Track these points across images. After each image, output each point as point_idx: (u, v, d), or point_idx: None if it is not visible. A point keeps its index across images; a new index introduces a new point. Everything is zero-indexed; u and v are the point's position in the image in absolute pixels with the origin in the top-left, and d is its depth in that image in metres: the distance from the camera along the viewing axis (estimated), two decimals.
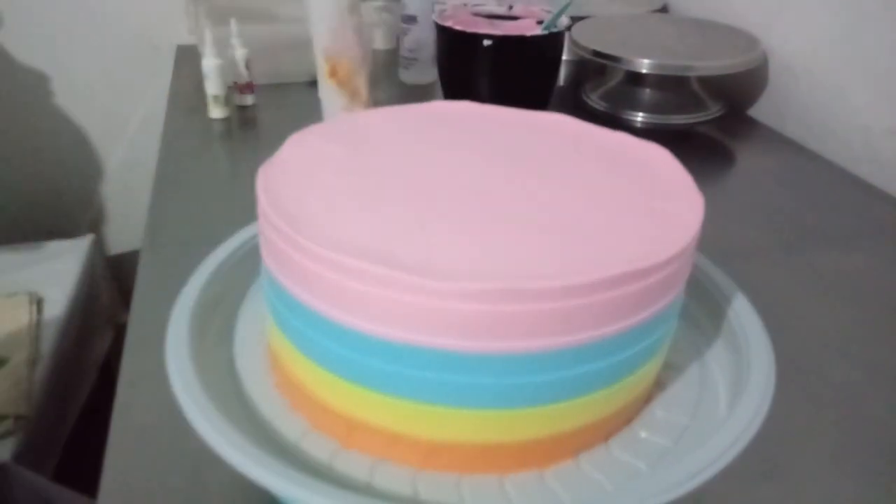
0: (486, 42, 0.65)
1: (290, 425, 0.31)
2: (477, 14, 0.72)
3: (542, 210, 0.30)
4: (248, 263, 0.38)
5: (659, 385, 0.34)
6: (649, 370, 0.31)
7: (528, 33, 0.66)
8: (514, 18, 0.72)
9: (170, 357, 0.30)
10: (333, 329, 0.27)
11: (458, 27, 0.67)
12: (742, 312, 0.34)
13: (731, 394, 0.31)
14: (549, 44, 0.68)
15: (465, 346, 0.26)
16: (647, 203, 0.31)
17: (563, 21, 0.69)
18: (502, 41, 0.65)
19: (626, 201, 0.31)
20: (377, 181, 0.32)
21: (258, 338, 0.35)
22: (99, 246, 0.99)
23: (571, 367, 0.27)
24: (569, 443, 0.30)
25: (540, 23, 0.69)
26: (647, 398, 0.33)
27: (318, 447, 0.30)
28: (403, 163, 0.33)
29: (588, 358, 0.27)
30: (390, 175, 0.32)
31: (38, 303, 0.81)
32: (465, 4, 0.74)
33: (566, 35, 0.71)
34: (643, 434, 0.31)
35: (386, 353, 0.26)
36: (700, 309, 0.37)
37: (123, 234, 1.12)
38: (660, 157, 0.34)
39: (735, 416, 0.28)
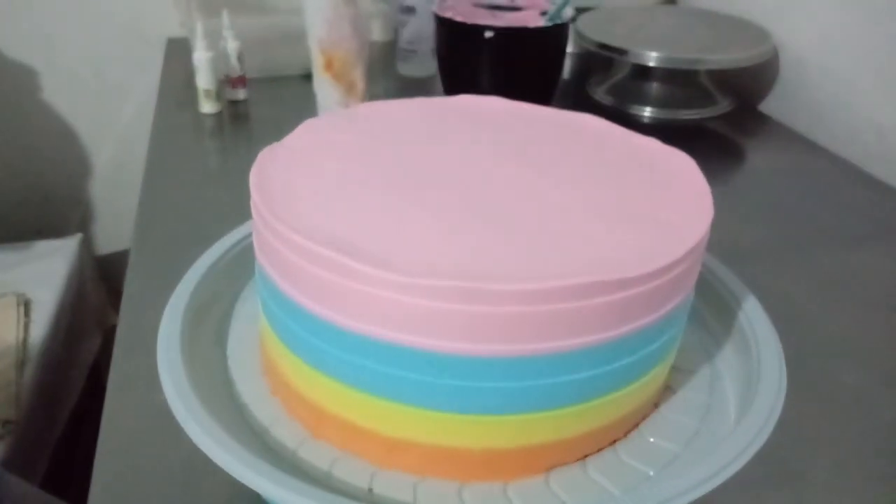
0: (488, 34, 0.64)
1: (285, 430, 0.31)
2: (478, 5, 0.71)
3: (547, 210, 0.30)
4: (243, 262, 0.37)
5: (668, 388, 0.34)
6: (658, 374, 0.31)
7: (531, 25, 0.65)
8: (517, 9, 0.71)
9: (161, 359, 0.30)
10: (332, 332, 0.27)
11: (458, 18, 0.66)
12: (752, 314, 0.34)
13: (741, 397, 0.32)
14: (553, 36, 0.68)
15: (470, 350, 0.26)
16: (656, 205, 0.30)
17: (568, 12, 0.68)
18: (504, 33, 0.64)
19: (635, 203, 0.31)
20: (379, 175, 0.32)
21: (252, 340, 0.35)
22: (88, 245, 0.99)
23: (578, 370, 0.27)
24: (575, 447, 0.30)
25: (543, 14, 0.68)
26: (655, 402, 0.33)
27: (314, 453, 0.30)
28: (412, 157, 0.33)
29: (596, 361, 0.27)
30: (395, 170, 0.32)
31: (26, 304, 0.81)
32: None
33: (570, 27, 0.69)
34: (651, 439, 0.31)
35: (386, 356, 0.26)
36: (710, 311, 0.37)
37: (113, 233, 1.11)
38: (682, 165, 0.34)
39: (744, 424, 0.28)
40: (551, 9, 0.67)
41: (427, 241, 0.27)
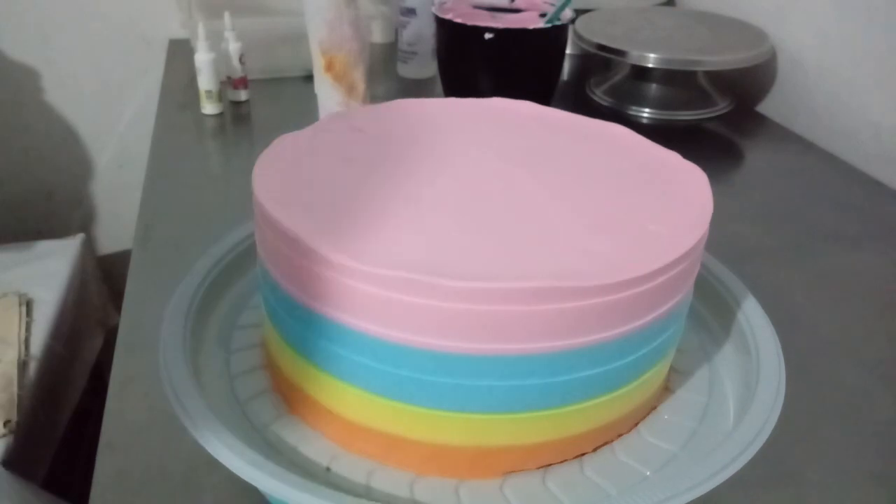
0: (488, 35, 0.64)
1: (286, 429, 0.31)
2: (478, 6, 0.72)
3: (550, 213, 0.30)
4: (246, 262, 0.37)
5: (667, 388, 0.34)
6: (657, 373, 0.31)
7: (531, 26, 0.65)
8: (516, 11, 0.71)
9: (163, 359, 0.30)
10: (335, 331, 0.27)
11: (458, 20, 0.66)
12: (751, 314, 0.34)
13: (741, 398, 0.32)
14: (553, 37, 0.68)
15: (470, 349, 0.26)
16: (657, 212, 0.30)
17: (567, 14, 0.68)
18: (504, 34, 0.64)
19: (638, 209, 0.30)
20: (385, 175, 0.32)
21: (255, 338, 0.35)
22: (89, 246, 0.99)
23: (578, 370, 0.27)
24: (572, 446, 0.29)
25: (543, 15, 0.68)
26: (654, 402, 0.33)
27: (316, 451, 0.30)
28: (422, 158, 0.33)
29: (594, 361, 0.27)
30: (402, 170, 0.32)
31: (28, 304, 0.81)
32: None
33: (570, 28, 0.69)
34: (650, 438, 0.31)
35: (384, 355, 0.26)
36: (709, 310, 0.37)
37: (114, 233, 1.11)
38: (693, 178, 0.33)
39: (744, 425, 0.28)
40: (550, 11, 0.67)
41: (430, 241, 0.27)
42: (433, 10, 0.70)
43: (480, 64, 0.68)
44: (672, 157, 0.35)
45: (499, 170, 0.33)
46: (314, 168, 0.32)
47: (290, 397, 0.31)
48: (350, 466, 0.29)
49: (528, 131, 0.37)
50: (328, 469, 0.29)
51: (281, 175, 0.31)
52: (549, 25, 0.66)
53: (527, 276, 0.25)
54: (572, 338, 0.26)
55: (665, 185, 0.32)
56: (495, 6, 0.72)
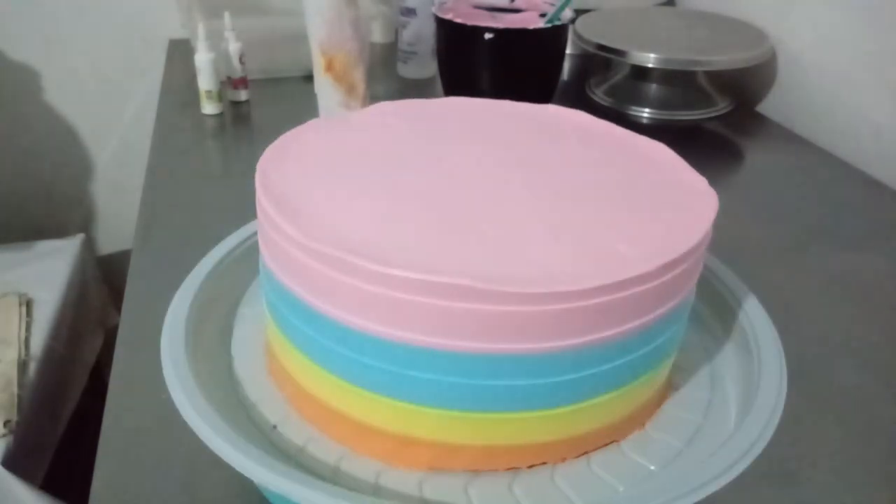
0: (488, 35, 0.64)
1: (292, 428, 0.31)
2: (478, 6, 0.72)
3: (551, 212, 0.30)
4: (248, 261, 0.37)
5: (669, 388, 0.33)
6: (659, 373, 0.31)
7: (531, 26, 0.65)
8: (516, 11, 0.71)
9: (165, 357, 0.30)
10: (338, 330, 0.27)
11: (458, 20, 0.66)
12: (753, 315, 0.34)
13: (742, 398, 0.31)
14: (553, 37, 0.68)
15: (476, 348, 0.26)
16: (658, 206, 0.30)
17: (567, 14, 0.68)
18: (504, 34, 0.64)
19: (637, 204, 0.30)
20: (389, 175, 0.31)
21: (257, 338, 0.35)
22: (89, 246, 0.99)
23: (580, 369, 0.27)
24: (578, 445, 0.30)
25: (543, 15, 0.68)
26: (656, 402, 0.32)
27: (322, 450, 0.30)
28: (427, 158, 0.33)
29: (596, 360, 0.27)
30: (405, 170, 0.32)
31: (28, 304, 0.81)
32: None
33: (570, 28, 0.69)
34: (655, 435, 0.31)
35: (390, 354, 0.26)
36: (710, 311, 0.37)
37: (114, 233, 1.11)
38: (693, 179, 0.33)
39: (745, 427, 0.28)
40: (550, 11, 0.67)
41: (433, 242, 0.27)
42: (433, 10, 0.70)
43: (480, 64, 0.68)
44: (678, 162, 0.35)
45: (495, 170, 0.32)
46: (320, 166, 0.32)
47: (294, 397, 0.31)
48: (357, 465, 0.29)
49: (556, 137, 0.36)
50: (274, 427, 0.29)
51: (284, 174, 0.31)
52: (549, 25, 0.66)
53: (533, 278, 0.25)
54: (574, 337, 0.26)
55: (667, 187, 0.32)
56: (495, 6, 0.72)
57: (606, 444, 0.30)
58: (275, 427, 0.29)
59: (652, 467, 0.29)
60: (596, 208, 0.30)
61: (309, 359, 0.29)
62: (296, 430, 0.30)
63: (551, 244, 0.27)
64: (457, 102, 0.39)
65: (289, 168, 0.32)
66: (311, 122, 0.36)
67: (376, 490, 0.28)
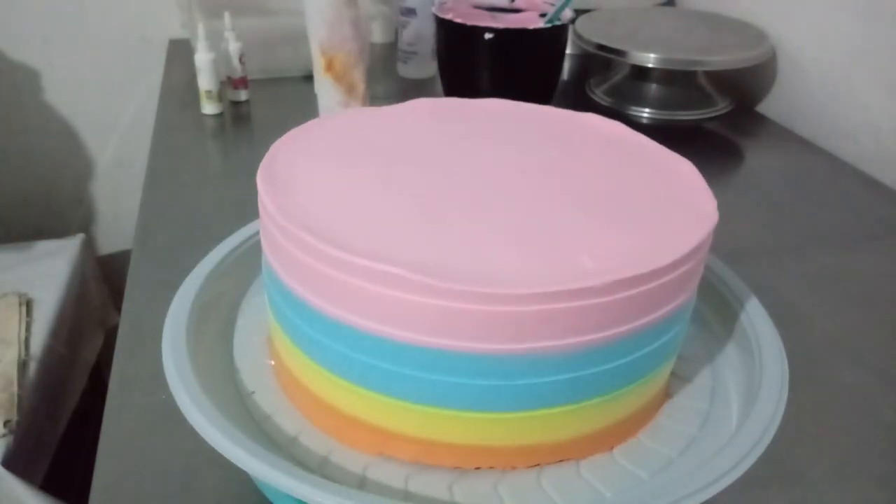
0: (488, 35, 0.64)
1: (287, 420, 0.31)
2: (478, 6, 0.71)
3: (554, 214, 0.29)
4: (251, 261, 0.37)
5: (671, 389, 0.33)
6: (661, 373, 0.31)
7: (531, 26, 0.65)
8: (516, 11, 0.71)
9: (166, 354, 0.30)
10: (349, 334, 0.27)
11: (458, 20, 0.66)
12: (754, 316, 0.34)
13: (744, 399, 0.31)
14: (553, 37, 0.68)
15: (474, 348, 0.25)
16: (661, 206, 0.30)
17: (567, 14, 0.68)
18: (504, 34, 0.64)
19: (640, 204, 0.30)
20: (393, 175, 0.31)
21: (259, 338, 0.35)
22: (89, 246, 0.99)
23: (582, 369, 0.27)
24: (574, 447, 0.29)
25: (543, 15, 0.68)
26: (658, 402, 0.32)
27: (346, 460, 0.29)
28: (431, 158, 0.33)
29: (599, 360, 0.27)
30: (410, 170, 0.32)
31: (28, 304, 0.81)
32: None
33: (570, 28, 0.69)
34: (649, 443, 0.31)
35: (393, 355, 0.26)
36: (712, 312, 0.36)
37: (114, 233, 1.11)
38: (692, 177, 0.33)
39: (746, 429, 0.28)
40: (550, 11, 0.67)
41: (434, 242, 0.27)
42: (433, 10, 0.70)
43: (480, 64, 0.68)
44: (683, 164, 0.35)
45: (500, 172, 0.32)
46: (322, 166, 0.32)
47: (295, 394, 0.31)
48: (346, 459, 0.29)
49: (580, 145, 0.36)
50: (253, 393, 0.29)
51: (286, 174, 0.31)
52: (549, 25, 0.66)
53: (531, 278, 0.25)
54: (576, 337, 0.26)
55: (670, 188, 0.32)
56: (495, 6, 0.72)
57: (600, 448, 0.30)
58: (253, 393, 0.29)
59: (644, 475, 0.29)
60: (597, 213, 0.30)
61: (307, 355, 0.29)
62: (290, 423, 0.30)
63: (547, 245, 0.27)
64: (497, 104, 0.39)
65: (292, 165, 0.32)
66: (314, 120, 0.36)
67: (362, 482, 0.28)
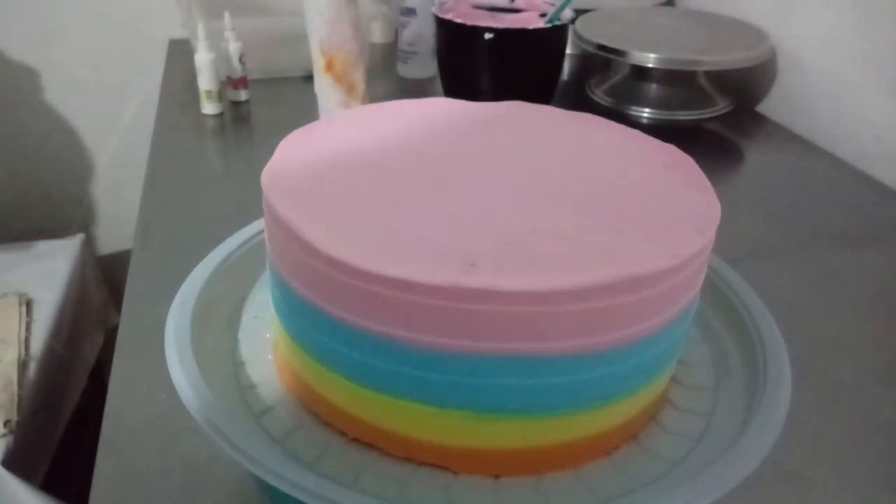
0: (488, 35, 0.64)
1: (286, 414, 0.31)
2: (478, 6, 0.71)
3: (557, 215, 0.29)
4: (253, 261, 0.37)
5: (675, 388, 0.33)
6: (664, 375, 0.31)
7: (531, 26, 0.65)
8: (516, 11, 0.71)
9: (169, 352, 0.30)
10: (351, 334, 0.27)
11: (458, 20, 0.66)
12: (757, 317, 0.34)
13: (747, 400, 0.31)
14: (553, 37, 0.68)
15: (474, 348, 0.25)
16: (663, 206, 0.30)
17: (567, 14, 0.68)
18: (504, 34, 0.64)
19: (642, 205, 0.30)
20: (396, 175, 0.31)
21: (262, 338, 0.35)
22: (89, 246, 0.99)
23: (584, 371, 0.27)
24: (571, 450, 0.29)
25: (543, 15, 0.68)
26: (661, 404, 0.32)
27: (342, 459, 0.29)
28: (434, 158, 0.33)
29: (603, 362, 0.27)
30: (413, 170, 0.32)
31: (28, 304, 0.81)
32: None
33: (570, 28, 0.69)
34: (650, 447, 0.30)
35: (396, 355, 0.26)
36: (714, 313, 0.36)
37: (114, 233, 1.11)
38: (697, 179, 0.33)
39: (750, 433, 0.28)
40: (550, 11, 0.67)
41: (437, 242, 0.27)
42: (433, 10, 0.70)
43: (480, 64, 0.68)
44: (684, 162, 0.35)
45: (502, 172, 0.32)
46: (326, 167, 0.32)
47: (300, 394, 0.31)
48: (341, 461, 0.29)
49: (558, 137, 0.36)
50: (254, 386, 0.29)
51: (292, 176, 0.31)
52: (549, 25, 0.65)
53: (538, 278, 0.25)
54: (579, 339, 0.26)
55: (672, 188, 0.32)
56: (495, 6, 0.72)
57: (602, 453, 0.30)
58: (254, 387, 0.29)
59: (665, 467, 0.29)
60: (601, 215, 0.30)
61: (309, 355, 0.29)
62: (290, 417, 0.30)
63: (551, 247, 0.27)
64: (501, 106, 0.39)
65: (297, 167, 0.31)
66: (319, 121, 0.36)
67: (400, 495, 0.28)
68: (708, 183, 0.32)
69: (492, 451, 0.28)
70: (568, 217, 0.29)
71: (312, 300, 0.28)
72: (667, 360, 0.30)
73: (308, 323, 0.29)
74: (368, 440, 0.29)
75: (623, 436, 0.30)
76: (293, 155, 0.33)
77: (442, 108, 0.38)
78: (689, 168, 0.33)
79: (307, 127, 0.35)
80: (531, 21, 0.67)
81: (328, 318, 0.27)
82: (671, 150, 0.35)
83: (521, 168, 0.33)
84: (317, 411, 0.31)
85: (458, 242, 0.27)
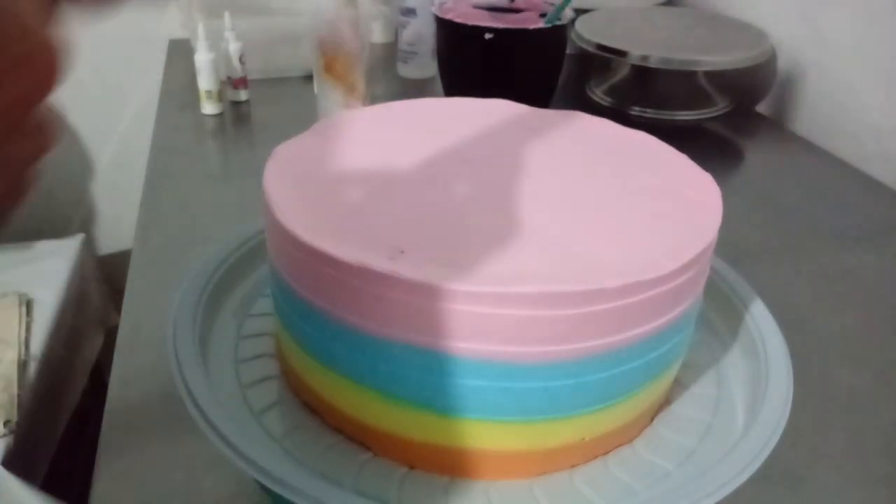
0: (488, 35, 0.64)
1: (288, 416, 0.31)
2: (478, 6, 0.71)
3: (564, 215, 0.29)
4: (254, 261, 0.37)
5: (678, 388, 0.33)
6: (667, 377, 0.31)
7: (531, 26, 0.65)
8: (517, 11, 0.71)
9: (171, 351, 0.30)
10: (357, 338, 0.27)
11: (458, 20, 0.66)
12: (759, 318, 0.34)
13: (749, 398, 0.31)
14: (553, 37, 0.67)
15: (476, 350, 0.25)
16: (665, 206, 0.30)
17: (567, 14, 0.67)
18: (504, 34, 0.64)
19: (645, 205, 0.30)
20: (397, 175, 0.31)
21: (264, 336, 0.35)
22: (89, 246, 0.99)
23: (587, 374, 0.27)
24: (567, 454, 0.29)
25: (543, 15, 0.68)
26: (657, 409, 0.32)
27: (339, 457, 0.29)
28: (436, 159, 0.33)
29: (607, 365, 0.27)
30: (415, 170, 0.32)
31: (28, 304, 0.81)
32: None
33: (571, 27, 0.69)
34: (650, 448, 0.30)
35: (399, 358, 0.26)
36: (715, 313, 0.36)
37: (114, 233, 1.11)
38: (704, 183, 0.33)
39: (752, 434, 0.28)
40: (550, 10, 0.67)
41: (441, 244, 0.26)
42: (433, 10, 0.70)
43: (480, 64, 0.68)
44: (683, 161, 0.35)
45: (513, 174, 0.32)
46: (329, 170, 0.32)
47: (302, 395, 0.31)
48: (340, 461, 0.29)
49: (557, 138, 0.36)
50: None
51: (292, 178, 0.31)
52: (549, 25, 0.65)
53: (545, 280, 0.24)
54: (582, 342, 0.26)
55: (675, 190, 0.32)
56: (495, 6, 0.71)
57: (592, 461, 0.30)
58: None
59: (668, 467, 0.29)
60: (604, 216, 0.30)
61: (310, 355, 0.29)
62: (290, 415, 0.30)
63: (555, 249, 0.27)
64: (502, 106, 0.39)
65: (299, 167, 0.31)
66: (319, 123, 0.36)
67: (399, 497, 0.28)
68: (708, 179, 0.32)
69: (487, 453, 0.28)
70: (572, 219, 0.29)
71: (301, 293, 0.28)
72: (671, 361, 0.30)
73: (302, 319, 0.29)
74: (365, 440, 0.29)
75: (622, 437, 0.30)
76: (295, 156, 0.33)
77: (445, 109, 0.38)
78: (687, 165, 0.33)
79: (312, 128, 0.35)
80: (531, 21, 0.67)
81: (322, 315, 0.27)
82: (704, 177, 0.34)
83: (527, 171, 0.32)
84: (316, 410, 0.31)
85: (466, 245, 0.27)
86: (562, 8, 0.66)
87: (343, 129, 0.36)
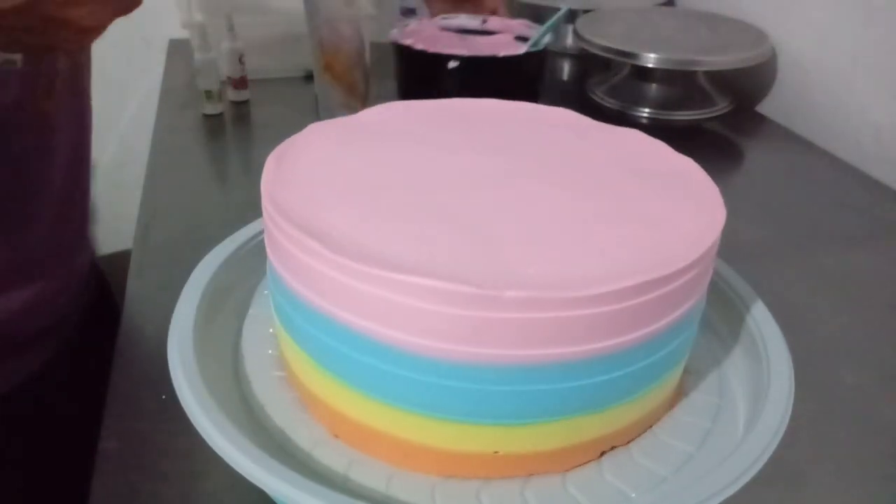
0: (452, 64, 0.59)
1: (303, 431, 0.30)
2: (446, 28, 0.66)
3: (563, 217, 0.29)
4: (255, 260, 0.37)
5: (679, 393, 0.33)
6: (670, 379, 0.31)
7: (502, 53, 0.60)
8: (489, 33, 0.65)
9: (172, 351, 0.30)
10: (355, 340, 0.27)
11: (420, 46, 0.60)
12: (760, 319, 0.34)
13: (751, 400, 0.31)
14: (526, 64, 0.62)
15: (486, 356, 0.25)
16: (668, 210, 0.30)
17: (547, 39, 0.63)
18: (471, 62, 0.59)
19: (650, 210, 0.30)
20: (394, 178, 0.31)
21: (266, 334, 0.35)
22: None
23: (590, 376, 0.27)
24: (562, 457, 0.29)
25: (518, 38, 0.64)
26: (667, 406, 0.32)
27: (332, 456, 0.29)
28: (430, 161, 0.33)
29: (608, 367, 0.27)
30: (410, 173, 0.32)
31: None
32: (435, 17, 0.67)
33: (570, 29, 0.69)
34: (641, 459, 0.30)
35: (400, 361, 0.26)
36: (717, 314, 0.36)
37: (114, 234, 1.11)
38: (699, 178, 0.33)
39: (755, 434, 0.28)
40: (533, 35, 0.63)
41: (441, 246, 0.26)
42: (390, 36, 0.63)
43: (445, 95, 0.60)
44: (687, 163, 0.35)
45: (511, 175, 0.32)
46: (324, 170, 0.32)
47: (305, 399, 0.31)
48: (368, 471, 0.29)
49: (550, 136, 0.36)
50: (387, 492, 0.28)
51: (292, 178, 0.31)
52: (531, 50, 0.60)
53: (545, 284, 0.24)
54: (584, 344, 0.26)
55: (677, 190, 0.32)
56: (465, 28, 0.66)
57: (587, 462, 0.30)
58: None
59: (663, 473, 0.29)
60: (606, 217, 0.30)
61: (312, 358, 0.29)
62: (307, 433, 0.30)
63: (557, 250, 0.27)
64: (500, 105, 0.39)
65: (296, 168, 0.31)
66: (316, 125, 0.36)
67: (386, 496, 0.27)
68: (709, 179, 0.32)
69: (481, 455, 0.28)
70: (574, 220, 0.29)
71: (301, 293, 0.28)
72: (675, 363, 0.30)
73: (302, 319, 0.29)
74: (359, 441, 0.29)
75: (622, 438, 0.30)
76: (294, 157, 0.32)
77: (445, 109, 0.38)
78: (689, 166, 0.33)
79: (308, 128, 0.35)
80: (504, 45, 0.61)
81: (322, 316, 0.27)
82: (670, 150, 0.34)
83: (525, 172, 0.32)
84: (313, 409, 0.31)
85: (467, 247, 0.26)
86: (546, 31, 0.62)
87: (343, 129, 0.36)
